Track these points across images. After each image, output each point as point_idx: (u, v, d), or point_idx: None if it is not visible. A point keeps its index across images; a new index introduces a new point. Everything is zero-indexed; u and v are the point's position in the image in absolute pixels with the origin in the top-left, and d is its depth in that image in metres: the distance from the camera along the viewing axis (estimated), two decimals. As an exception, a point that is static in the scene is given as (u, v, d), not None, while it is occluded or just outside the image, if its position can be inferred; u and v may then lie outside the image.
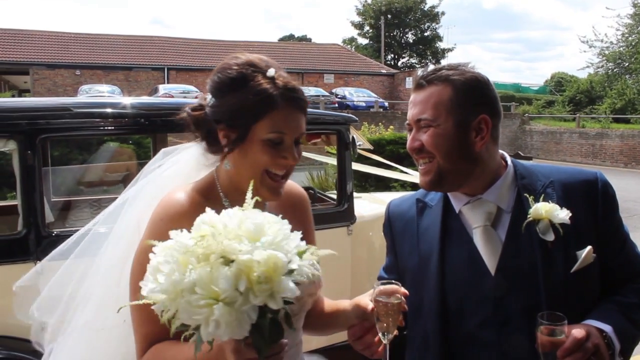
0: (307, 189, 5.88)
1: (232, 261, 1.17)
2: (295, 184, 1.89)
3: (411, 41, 61.73)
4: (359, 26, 62.74)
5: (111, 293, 1.77)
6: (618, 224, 1.86)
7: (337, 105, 32.28)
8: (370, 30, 61.62)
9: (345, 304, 1.89)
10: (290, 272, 1.21)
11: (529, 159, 17.24)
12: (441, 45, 61.28)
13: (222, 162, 1.72)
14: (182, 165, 1.84)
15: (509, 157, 1.94)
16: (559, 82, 50.87)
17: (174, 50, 40.58)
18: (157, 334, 1.51)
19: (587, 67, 43.06)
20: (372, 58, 51.20)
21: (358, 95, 36.35)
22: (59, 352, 1.85)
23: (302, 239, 1.30)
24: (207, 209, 1.30)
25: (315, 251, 1.29)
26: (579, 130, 30.58)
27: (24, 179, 3.66)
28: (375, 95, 36.80)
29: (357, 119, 5.40)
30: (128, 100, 4.30)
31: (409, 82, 41.04)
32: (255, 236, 1.20)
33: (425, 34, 61.14)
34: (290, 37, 77.76)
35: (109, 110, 4.10)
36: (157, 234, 1.49)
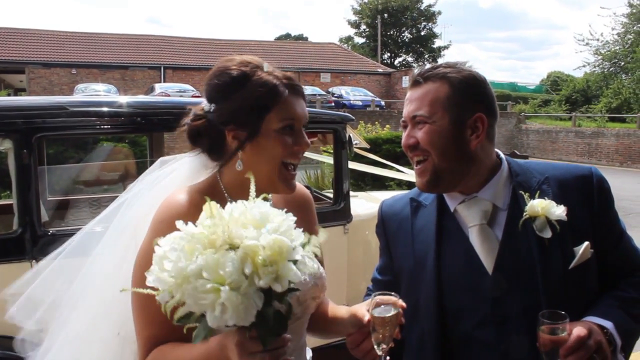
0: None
1: (238, 247, 1.19)
2: (299, 184, 1.87)
3: (408, 40, 61.77)
4: (355, 25, 62.78)
5: (105, 303, 1.72)
6: (614, 218, 1.86)
7: (333, 104, 32.29)
8: (367, 29, 61.67)
9: (343, 311, 1.86)
10: (294, 262, 1.23)
11: (525, 157, 17.24)
12: (438, 43, 61.36)
13: (228, 164, 1.70)
14: (179, 172, 1.79)
15: (503, 155, 1.93)
16: (555, 81, 51.02)
17: (170, 49, 40.53)
18: (161, 337, 1.50)
19: (583, 66, 43.21)
20: (369, 57, 51.23)
21: (355, 94, 36.36)
22: None
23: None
24: (212, 203, 1.28)
25: (316, 240, 1.29)
26: (575, 129, 30.66)
27: (20, 178, 3.65)
28: (372, 94, 36.84)
29: (353, 118, 5.41)
30: (124, 99, 4.30)
31: (406, 81, 41.06)
32: (260, 224, 1.22)
33: (422, 33, 61.18)
34: (287, 36, 77.68)
35: (105, 109, 4.09)
36: (159, 235, 1.46)
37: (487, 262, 1.80)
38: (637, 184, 20.36)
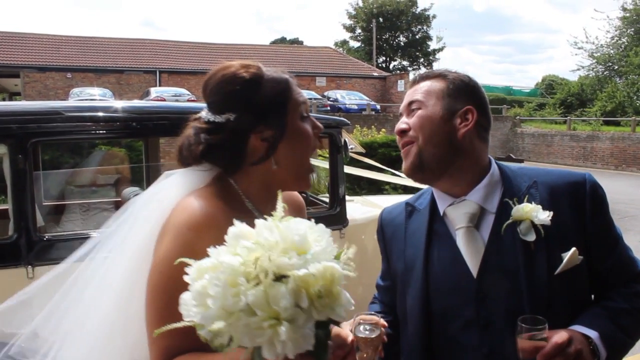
0: (299, 192, 5.87)
1: (284, 276, 1.12)
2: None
3: (403, 44, 61.89)
4: (350, 29, 62.90)
5: (114, 324, 1.62)
6: (608, 225, 1.83)
7: (329, 108, 32.31)
8: (362, 33, 61.75)
9: None
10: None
11: (521, 161, 17.32)
12: (432, 45, 61.49)
13: (244, 169, 1.66)
14: (180, 185, 1.68)
15: (493, 160, 1.94)
16: (550, 85, 51.17)
17: (165, 53, 40.50)
18: (179, 347, 1.44)
19: (578, 69, 43.39)
20: (364, 61, 51.28)
21: (350, 98, 36.38)
22: None
23: None
24: (235, 221, 1.24)
25: (348, 250, 1.26)
26: (570, 132, 30.75)
27: (15, 183, 3.64)
28: (367, 98, 36.86)
29: (349, 122, 5.42)
30: (119, 104, 4.30)
31: (401, 85, 41.19)
32: (301, 248, 1.15)
33: (417, 36, 61.32)
34: (282, 40, 77.70)
35: (100, 114, 4.09)
36: (184, 243, 1.47)
37: (473, 264, 1.80)
38: (631, 187, 20.43)
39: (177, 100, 27.00)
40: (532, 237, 1.74)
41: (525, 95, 50.12)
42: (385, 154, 13.22)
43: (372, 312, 1.73)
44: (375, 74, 45.86)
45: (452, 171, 1.84)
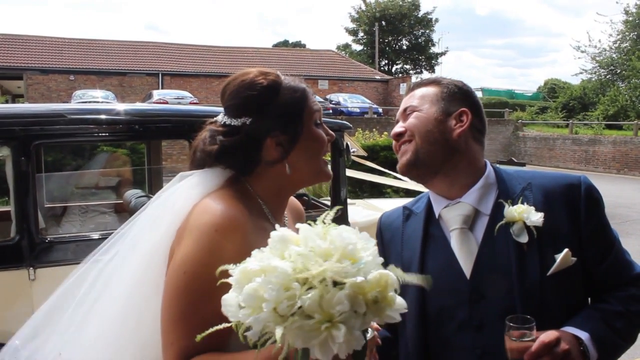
0: (301, 195, 5.89)
1: (338, 283, 1.15)
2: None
3: (405, 47, 61.89)
4: (353, 32, 62.87)
5: (125, 332, 1.62)
6: (603, 228, 1.83)
7: (331, 111, 32.32)
8: (365, 37, 61.72)
9: None
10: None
11: (523, 165, 17.31)
12: (435, 50, 61.45)
13: (258, 172, 1.70)
14: (196, 187, 1.69)
15: (489, 162, 1.96)
16: (552, 89, 51.11)
17: (168, 56, 40.56)
18: (199, 347, 1.42)
19: (580, 73, 43.36)
20: (366, 64, 51.30)
21: (352, 101, 36.38)
22: None
23: None
24: (277, 226, 1.28)
25: (395, 269, 1.28)
26: (572, 136, 30.74)
27: (18, 185, 3.66)
28: (369, 101, 36.87)
29: (351, 126, 5.43)
30: (122, 107, 4.32)
31: (403, 88, 41.16)
32: (353, 256, 1.19)
33: (420, 40, 61.33)
34: (285, 43, 77.80)
35: (102, 116, 4.11)
36: (210, 244, 1.49)
37: (466, 266, 1.81)
38: (633, 191, 20.40)
39: (179, 103, 27.02)
40: (524, 239, 1.75)
41: (527, 98, 50.03)
42: (387, 157, 13.20)
43: None
44: (378, 77, 45.90)
45: (447, 170, 1.85)
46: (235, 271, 1.22)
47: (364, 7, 60.08)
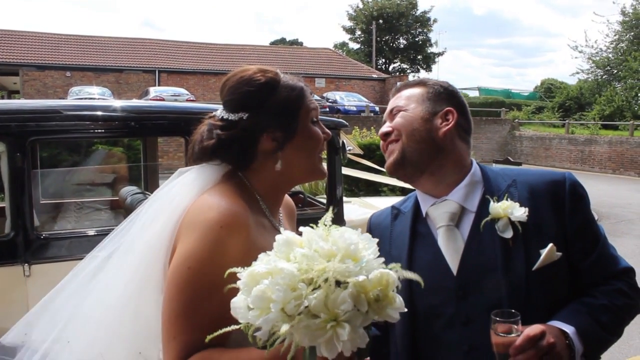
0: (297, 193, 5.89)
1: (341, 282, 1.19)
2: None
3: (402, 46, 61.90)
4: (350, 31, 62.88)
5: (125, 324, 1.65)
6: (588, 223, 1.84)
7: (328, 109, 32.32)
8: (362, 35, 61.72)
9: None
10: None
11: (519, 164, 17.31)
12: (432, 50, 61.47)
13: (255, 168, 1.73)
14: (194, 184, 1.72)
15: (475, 161, 1.98)
16: (549, 89, 51.19)
17: (165, 53, 40.46)
18: (201, 342, 1.43)
19: (577, 73, 43.42)
20: (364, 63, 51.28)
21: (349, 99, 36.37)
22: None
23: None
24: (282, 229, 1.31)
25: (394, 265, 1.32)
26: (568, 136, 30.81)
27: (13, 182, 3.65)
28: (366, 100, 36.88)
29: (347, 124, 5.43)
30: (118, 103, 4.31)
31: (400, 87, 41.10)
32: (355, 256, 1.24)
33: (417, 39, 61.33)
34: (282, 41, 77.74)
35: (99, 113, 4.10)
36: (215, 240, 1.50)
37: (453, 262, 1.83)
38: (629, 191, 20.47)
39: (176, 100, 26.99)
40: (509, 234, 1.77)
41: (524, 98, 50.09)
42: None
43: None
44: (375, 75, 45.91)
45: (433, 169, 1.88)
46: (243, 274, 1.25)
47: (361, 6, 60.10)
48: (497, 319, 1.57)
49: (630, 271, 1.87)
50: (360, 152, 7.70)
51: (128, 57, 38.91)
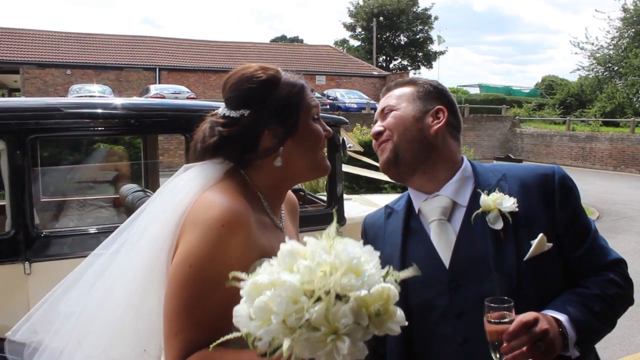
0: (297, 190, 5.89)
1: (343, 296, 1.20)
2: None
3: (403, 43, 61.81)
4: (350, 28, 62.74)
5: (129, 320, 1.66)
6: (578, 215, 1.87)
7: (328, 106, 32.28)
8: (362, 32, 61.60)
9: None
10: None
11: (520, 161, 17.32)
12: (434, 48, 61.39)
13: (256, 166, 1.74)
14: (196, 182, 1.72)
15: (466, 158, 2.02)
16: (550, 85, 51.10)
17: (165, 51, 40.43)
18: (203, 341, 1.44)
19: (578, 69, 43.32)
20: (364, 60, 51.19)
21: (349, 96, 36.35)
22: None
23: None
24: (287, 239, 1.31)
25: (394, 272, 1.33)
26: (569, 133, 30.78)
27: (13, 180, 3.65)
28: (367, 97, 36.82)
29: (347, 121, 5.43)
30: (118, 101, 4.30)
31: (401, 84, 41.02)
32: (357, 270, 1.24)
33: (417, 36, 61.24)
34: (282, 38, 77.64)
35: (99, 110, 4.10)
36: (217, 239, 1.51)
37: (445, 256, 1.87)
38: (630, 188, 20.46)
39: (176, 98, 26.98)
40: (499, 225, 1.80)
41: (524, 95, 50.04)
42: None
43: None
44: (375, 73, 45.84)
45: (425, 167, 1.92)
46: (247, 283, 1.25)
47: (361, 3, 59.98)
48: (491, 305, 1.58)
49: (622, 262, 1.90)
50: (361, 149, 7.68)
51: (128, 54, 38.87)
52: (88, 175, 7.29)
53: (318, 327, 1.17)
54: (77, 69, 36.22)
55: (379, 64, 56.48)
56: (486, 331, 1.59)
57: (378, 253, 1.31)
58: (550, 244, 1.76)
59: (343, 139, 4.99)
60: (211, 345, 1.29)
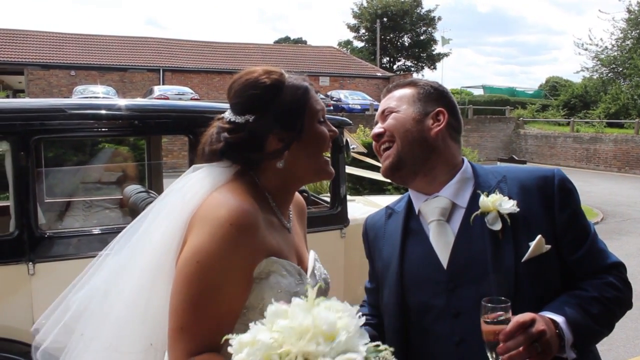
0: (300, 191, 5.88)
1: None
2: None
3: (407, 44, 61.80)
4: (354, 29, 62.75)
5: (137, 315, 1.68)
6: (577, 218, 1.87)
7: (332, 107, 32.28)
8: (366, 33, 61.65)
9: None
10: None
11: (523, 162, 17.29)
12: (438, 47, 61.34)
13: (264, 168, 1.76)
14: (204, 183, 1.75)
15: (466, 159, 2.02)
16: (554, 87, 51.02)
17: (169, 52, 40.52)
18: (208, 338, 1.49)
19: (582, 70, 43.19)
20: (368, 61, 51.18)
21: (353, 98, 36.35)
22: None
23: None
24: (274, 301, 1.35)
25: (387, 353, 1.34)
26: (573, 134, 30.71)
27: (17, 180, 3.66)
28: (370, 98, 36.78)
29: (351, 122, 5.43)
30: (122, 102, 4.31)
31: (404, 86, 40.97)
32: (329, 335, 1.28)
33: (421, 37, 61.22)
34: (286, 39, 77.69)
35: (103, 111, 4.11)
36: (225, 237, 1.53)
37: (443, 256, 1.88)
38: (634, 189, 20.40)
39: (180, 99, 27.01)
40: (498, 227, 1.80)
41: (528, 96, 49.88)
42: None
43: None
44: (379, 74, 45.82)
45: (426, 170, 1.93)
46: (234, 341, 1.29)
47: (365, 4, 60.00)
48: (488, 305, 1.58)
49: (621, 266, 1.90)
50: (364, 150, 7.68)
51: (132, 56, 38.99)
52: (92, 176, 7.31)
53: None
54: (81, 70, 36.35)
55: (383, 65, 56.46)
56: (483, 331, 1.59)
57: (363, 319, 1.32)
58: (549, 246, 1.77)
59: (346, 140, 4.99)
60: (223, 338, 1.31)
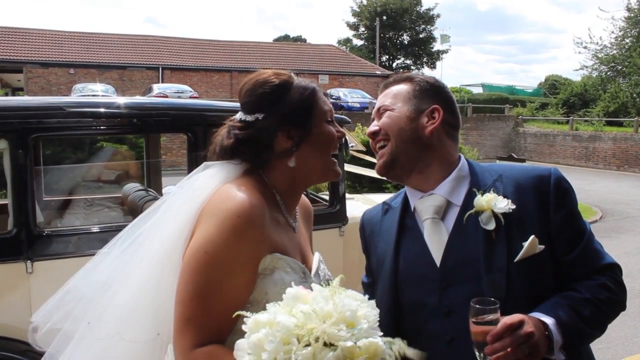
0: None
1: (332, 344, 1.27)
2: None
3: (406, 43, 61.77)
4: (354, 27, 62.73)
5: (144, 304, 1.71)
6: (572, 218, 1.86)
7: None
8: (366, 31, 61.61)
9: None
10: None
11: (523, 161, 17.32)
12: (437, 45, 61.34)
13: (272, 166, 1.81)
14: (214, 180, 1.79)
15: (463, 157, 2.02)
16: (553, 85, 51.03)
17: (168, 50, 40.48)
18: (214, 329, 1.54)
19: (581, 68, 43.15)
20: (367, 59, 51.16)
21: (352, 96, 36.33)
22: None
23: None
24: (294, 284, 1.40)
25: (402, 346, 1.42)
26: (572, 132, 30.74)
27: (15, 178, 3.65)
28: (370, 97, 36.73)
29: (349, 120, 5.43)
30: (121, 100, 4.30)
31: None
32: (351, 322, 1.32)
33: (421, 35, 61.20)
34: (285, 38, 77.61)
35: (101, 110, 4.10)
36: (232, 228, 1.58)
37: (436, 254, 1.88)
38: (633, 187, 20.42)
39: (179, 97, 27.00)
40: (492, 226, 1.80)
41: (528, 95, 49.94)
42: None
43: None
44: (379, 72, 45.79)
45: (421, 167, 1.93)
46: (249, 320, 1.34)
47: (365, 2, 59.94)
48: (477, 306, 1.58)
49: (615, 267, 1.88)
50: (363, 148, 7.67)
51: (131, 54, 38.94)
52: (90, 174, 7.30)
53: None
54: (80, 68, 36.31)
55: (382, 63, 56.44)
56: (471, 332, 1.59)
57: (377, 311, 1.37)
58: (542, 246, 1.76)
59: (345, 139, 4.99)
60: (235, 313, 1.37)
